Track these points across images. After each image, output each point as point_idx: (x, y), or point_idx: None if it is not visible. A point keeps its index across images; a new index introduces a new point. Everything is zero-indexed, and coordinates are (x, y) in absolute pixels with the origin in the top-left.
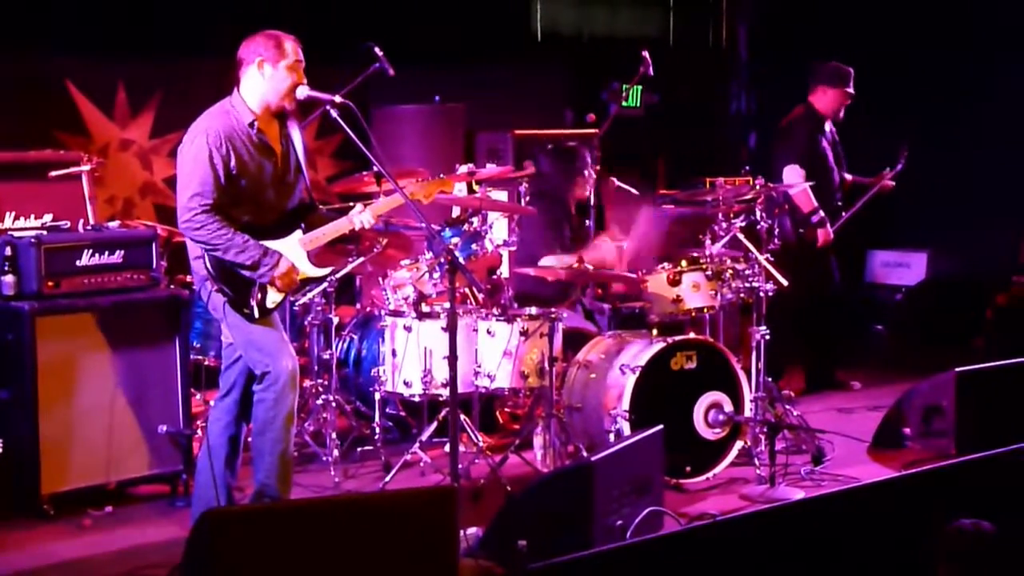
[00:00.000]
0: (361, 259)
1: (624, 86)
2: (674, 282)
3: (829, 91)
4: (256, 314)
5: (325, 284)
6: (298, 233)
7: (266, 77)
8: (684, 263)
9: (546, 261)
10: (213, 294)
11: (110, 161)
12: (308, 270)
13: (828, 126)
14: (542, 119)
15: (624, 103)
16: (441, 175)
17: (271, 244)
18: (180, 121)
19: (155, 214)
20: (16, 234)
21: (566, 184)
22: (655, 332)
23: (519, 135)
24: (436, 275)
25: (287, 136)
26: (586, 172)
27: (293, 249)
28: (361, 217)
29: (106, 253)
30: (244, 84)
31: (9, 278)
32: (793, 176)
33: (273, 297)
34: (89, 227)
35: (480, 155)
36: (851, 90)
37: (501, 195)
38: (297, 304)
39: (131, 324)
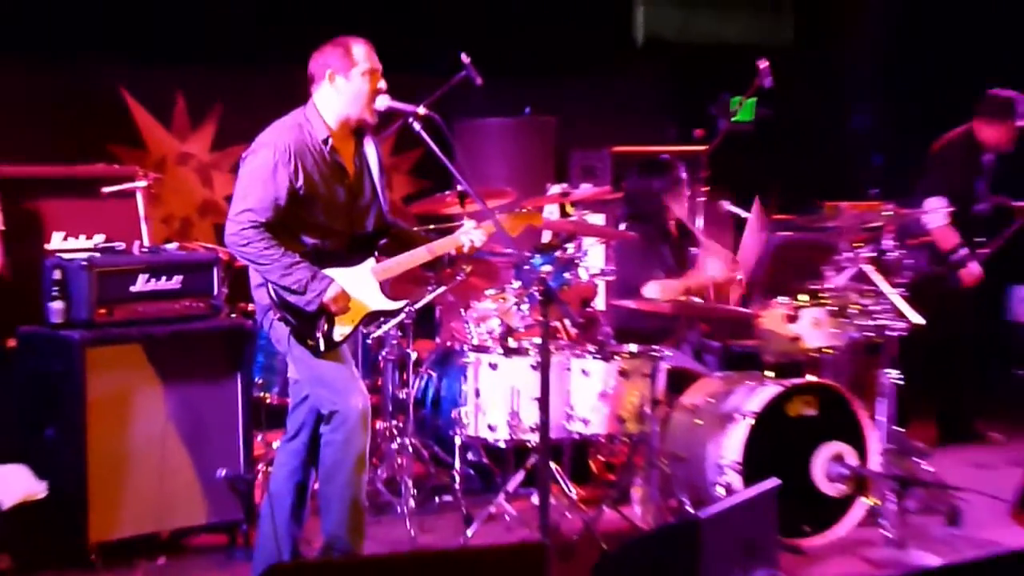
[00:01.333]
0: (441, 289)
1: (736, 98)
2: (792, 318)
3: (998, 125)
4: (322, 347)
5: (402, 316)
6: (370, 261)
7: (339, 90)
8: (803, 297)
9: (650, 289)
10: (275, 323)
11: (167, 176)
12: (380, 302)
13: (988, 156)
14: (643, 135)
15: (735, 118)
16: (527, 208)
17: (340, 272)
18: (243, 133)
19: (215, 235)
20: (66, 256)
21: (659, 201)
22: (770, 374)
23: (617, 152)
24: (525, 307)
25: (362, 155)
26: (678, 188)
27: (364, 279)
28: (472, 235)
29: (163, 278)
30: (318, 99)
31: (58, 304)
32: (935, 208)
33: (341, 329)
34: (145, 249)
35: (574, 174)
36: (1020, 123)
37: (597, 219)
38: (371, 337)
39: (189, 357)
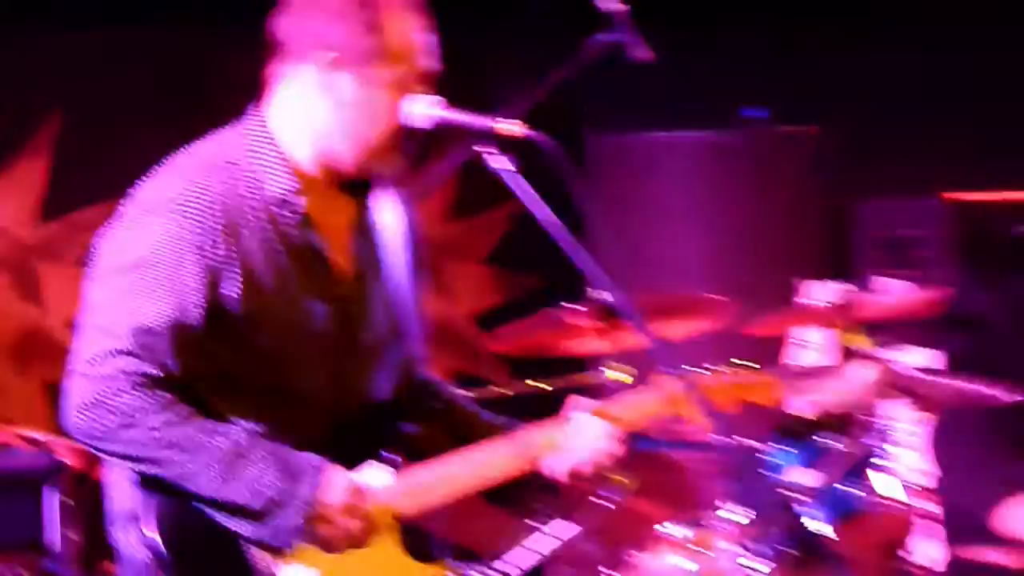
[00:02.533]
0: (569, 531)
1: None
2: None
3: None
4: None
5: None
6: (381, 471)
7: (338, 99)
8: None
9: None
10: None
11: None
12: (403, 563)
13: None
14: (1012, 163)
15: None
16: (744, 366)
17: None
18: (110, 181)
19: (50, 408)
20: None
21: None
22: None
23: (957, 202)
24: (758, 566)
25: (370, 232)
26: None
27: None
28: (591, 437)
29: None
30: (281, 103)
31: None
32: None
33: None
34: None
35: (862, 253)
36: None
37: (916, 358)
38: None
39: None
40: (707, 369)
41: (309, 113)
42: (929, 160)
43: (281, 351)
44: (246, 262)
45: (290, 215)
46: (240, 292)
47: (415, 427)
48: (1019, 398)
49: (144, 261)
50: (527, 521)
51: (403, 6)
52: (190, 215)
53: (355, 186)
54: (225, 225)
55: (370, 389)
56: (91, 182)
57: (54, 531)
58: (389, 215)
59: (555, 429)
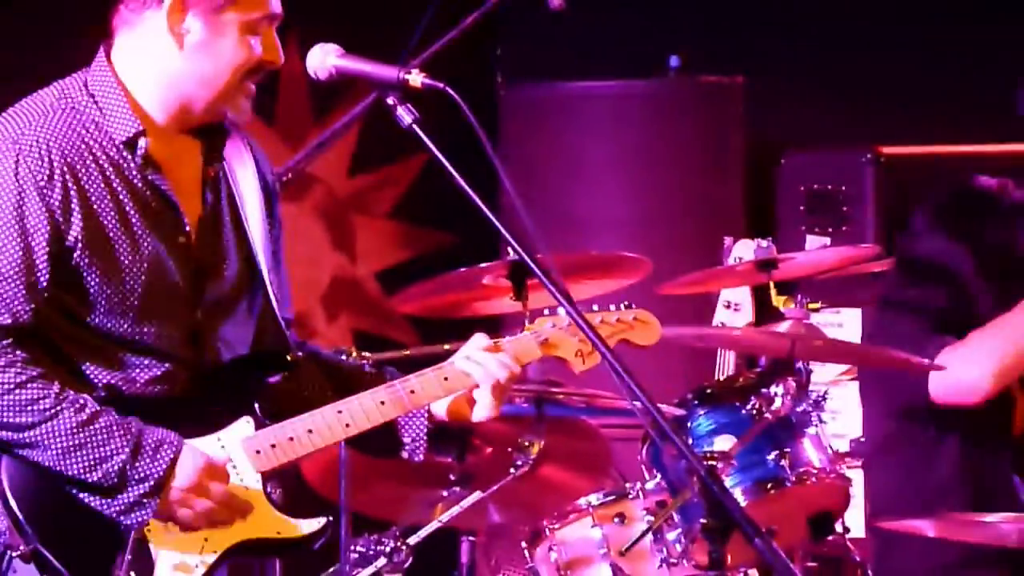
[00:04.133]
0: (473, 497)
1: None
2: None
3: None
4: None
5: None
6: (243, 425)
7: (186, 43)
8: None
9: None
10: (18, 567)
11: None
12: (273, 521)
13: None
14: (953, 117)
15: None
16: (623, 309)
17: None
18: None
19: None
20: None
21: (974, 284)
22: None
23: (891, 155)
24: (674, 536)
25: (218, 180)
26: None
27: (234, 465)
28: (494, 363)
29: None
30: (126, 48)
31: None
32: None
33: (170, 561)
34: None
35: (787, 210)
36: None
37: (851, 319)
38: None
39: None
40: (588, 310)
41: (157, 57)
42: (857, 112)
43: (129, 300)
44: (87, 205)
45: (133, 159)
46: (82, 236)
47: (280, 379)
48: (935, 365)
49: None
50: (434, 490)
51: None
52: (28, 156)
53: (206, 135)
54: (65, 167)
55: (226, 342)
56: None
57: None
58: (243, 166)
59: (443, 369)
